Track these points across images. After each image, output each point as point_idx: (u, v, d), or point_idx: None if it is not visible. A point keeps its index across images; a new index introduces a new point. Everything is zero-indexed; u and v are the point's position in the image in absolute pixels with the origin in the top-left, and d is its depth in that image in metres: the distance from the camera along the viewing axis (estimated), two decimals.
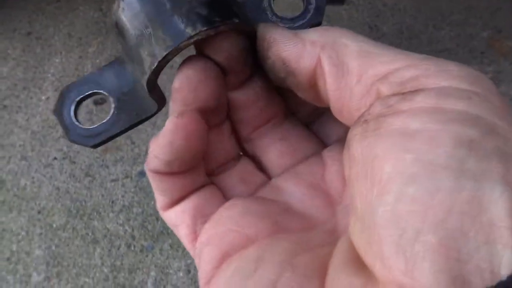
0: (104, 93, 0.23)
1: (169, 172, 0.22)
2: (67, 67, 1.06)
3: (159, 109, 0.24)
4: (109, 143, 0.89)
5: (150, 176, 0.23)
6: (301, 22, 0.24)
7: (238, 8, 0.22)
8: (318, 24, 0.24)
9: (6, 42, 1.12)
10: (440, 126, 0.14)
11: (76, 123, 0.23)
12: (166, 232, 0.78)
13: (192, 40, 0.20)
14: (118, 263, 0.76)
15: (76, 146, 0.92)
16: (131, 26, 0.21)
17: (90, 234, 0.79)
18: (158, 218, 0.80)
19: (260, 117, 0.25)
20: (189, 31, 0.20)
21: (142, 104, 0.23)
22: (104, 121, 0.23)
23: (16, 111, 0.99)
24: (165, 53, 0.20)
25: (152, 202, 0.82)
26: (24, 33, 1.14)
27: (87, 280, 0.74)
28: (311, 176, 0.23)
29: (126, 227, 0.79)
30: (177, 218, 0.23)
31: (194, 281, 0.73)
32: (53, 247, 0.78)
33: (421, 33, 0.94)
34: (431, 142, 0.14)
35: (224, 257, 0.21)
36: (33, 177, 0.87)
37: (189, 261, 0.75)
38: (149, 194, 0.83)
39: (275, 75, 0.22)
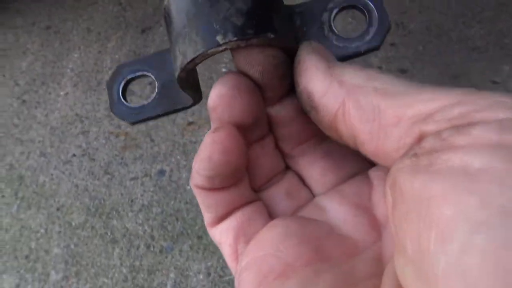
0: (152, 76, 0.24)
1: (212, 188, 0.22)
2: (86, 62, 1.05)
3: (193, 103, 0.24)
4: (128, 141, 0.88)
5: (196, 193, 0.22)
6: (357, 44, 0.22)
7: (287, 20, 0.21)
8: (376, 48, 0.22)
9: (25, 36, 1.11)
10: (509, 165, 0.13)
11: (122, 99, 0.24)
12: (186, 232, 0.77)
13: (220, 49, 0.20)
14: (137, 263, 0.74)
15: (94, 142, 0.91)
16: (174, 21, 0.21)
17: (109, 233, 0.78)
18: (177, 218, 0.79)
19: (301, 133, 0.24)
20: (219, 39, 0.19)
21: (181, 95, 0.24)
22: (146, 102, 0.24)
23: (35, 107, 0.99)
24: (193, 56, 0.20)
25: (172, 202, 0.81)
26: (43, 27, 1.13)
27: (106, 280, 0.73)
28: (357, 196, 0.23)
29: (146, 227, 0.78)
30: (221, 236, 0.23)
31: (215, 284, 0.71)
32: (72, 246, 0.77)
33: (450, 31, 0.91)
34: (500, 183, 0.12)
35: (262, 284, 0.20)
36: (52, 174, 0.86)
37: (209, 263, 0.73)
38: (169, 194, 0.82)
39: (301, 104, 0.21)
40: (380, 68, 0.89)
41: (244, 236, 0.22)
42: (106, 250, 0.76)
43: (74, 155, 0.89)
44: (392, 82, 0.18)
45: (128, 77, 0.24)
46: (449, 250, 0.12)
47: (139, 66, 0.25)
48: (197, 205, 0.80)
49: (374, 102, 0.18)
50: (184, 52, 0.20)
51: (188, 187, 0.82)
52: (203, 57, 0.20)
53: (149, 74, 0.24)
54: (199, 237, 0.76)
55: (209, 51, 0.20)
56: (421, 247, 0.13)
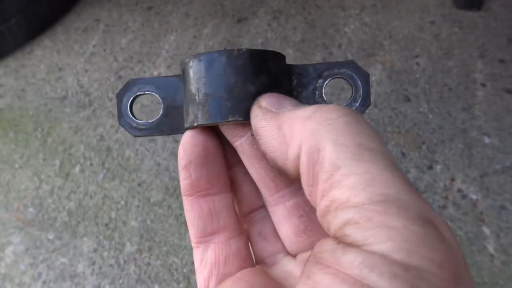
0: (160, 98, 0.26)
1: (196, 191, 0.24)
2: (181, 45, 1.08)
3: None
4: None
5: (184, 205, 0.25)
6: None
7: (289, 83, 0.25)
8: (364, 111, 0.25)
9: (127, 15, 1.16)
10: None
11: (129, 113, 0.27)
12: None
13: (228, 122, 0.24)
14: None
15: None
16: (190, 82, 0.24)
17: (183, 215, 0.80)
18: None
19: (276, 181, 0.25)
20: (230, 117, 0.23)
21: (181, 121, 0.26)
22: (150, 120, 0.26)
23: None
24: (204, 123, 0.24)
25: None
26: (145, 7, 1.18)
27: (175, 260, 0.75)
28: None
29: None
30: (199, 264, 0.24)
31: None
32: (148, 222, 0.80)
33: None
34: None
35: None
36: (137, 150, 0.90)
37: None
38: None
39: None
40: (483, 85, 0.83)
41: (217, 275, 0.24)
42: (179, 231, 0.78)
43: None
44: (341, 142, 0.18)
45: (137, 93, 0.27)
46: None
47: (149, 85, 0.27)
48: None
49: (316, 167, 0.19)
50: (195, 114, 0.24)
51: None
52: (212, 124, 0.24)
53: (157, 95, 0.26)
54: None
55: (218, 122, 0.23)
56: None
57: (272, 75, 0.24)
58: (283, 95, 0.23)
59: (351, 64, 0.25)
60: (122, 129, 0.94)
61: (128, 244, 0.78)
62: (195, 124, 0.24)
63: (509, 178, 0.74)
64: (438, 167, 0.77)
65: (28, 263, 0.78)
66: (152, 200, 0.82)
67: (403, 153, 0.80)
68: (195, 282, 0.74)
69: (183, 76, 0.25)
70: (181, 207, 0.81)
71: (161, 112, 0.26)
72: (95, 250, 0.78)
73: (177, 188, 0.83)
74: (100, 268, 0.76)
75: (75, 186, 0.86)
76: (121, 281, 0.74)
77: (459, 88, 0.85)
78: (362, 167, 0.17)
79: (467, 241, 0.70)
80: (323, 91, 0.25)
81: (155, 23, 1.14)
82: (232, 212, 0.25)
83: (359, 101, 0.25)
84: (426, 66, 0.88)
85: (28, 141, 0.94)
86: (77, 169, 0.89)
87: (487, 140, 0.79)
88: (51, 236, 0.81)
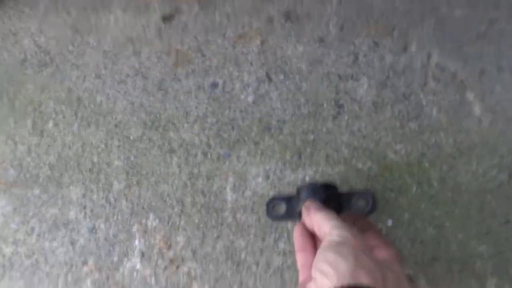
0: (284, 205, 0.59)
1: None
2: None
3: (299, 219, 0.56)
4: (179, 58, 0.86)
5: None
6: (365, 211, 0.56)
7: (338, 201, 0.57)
8: (372, 212, 0.55)
9: None
10: None
11: (272, 211, 0.59)
12: (242, 139, 0.75)
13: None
14: (195, 170, 0.74)
15: (147, 62, 0.91)
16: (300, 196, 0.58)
17: (166, 144, 0.78)
18: (233, 126, 0.77)
19: None
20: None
21: (294, 212, 0.58)
22: (280, 214, 0.59)
23: (87, 33, 0.99)
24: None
25: (227, 112, 0.79)
26: None
27: (166, 186, 0.74)
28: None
29: (202, 136, 0.77)
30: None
31: (274, 186, 0.70)
32: (132, 158, 0.78)
33: None
34: None
35: None
36: (108, 94, 0.87)
37: (267, 167, 0.71)
38: (223, 104, 0.80)
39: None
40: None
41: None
42: (164, 159, 0.76)
43: (127, 75, 0.89)
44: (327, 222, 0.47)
45: (275, 203, 0.59)
46: None
47: (280, 199, 0.59)
48: (252, 113, 0.78)
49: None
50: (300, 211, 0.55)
51: (242, 97, 0.80)
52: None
53: (283, 203, 0.58)
54: (256, 143, 0.74)
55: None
56: None
57: (330, 194, 0.55)
58: (316, 203, 0.52)
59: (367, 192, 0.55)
60: (89, 78, 0.91)
61: (115, 182, 0.76)
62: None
63: (486, 43, 0.73)
64: (413, 47, 0.76)
65: (18, 221, 0.76)
66: (132, 137, 0.80)
67: (375, 43, 0.78)
68: (189, 203, 0.73)
69: (297, 193, 0.57)
70: (162, 137, 0.79)
71: (284, 210, 0.57)
72: (83, 195, 0.76)
73: (155, 121, 0.81)
74: (91, 210, 0.74)
75: (51, 141, 0.84)
76: (115, 217, 0.73)
77: None
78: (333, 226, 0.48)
79: (452, 110, 0.69)
80: (355, 207, 0.55)
81: None
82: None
83: (370, 206, 0.54)
84: None
85: None
86: (50, 124, 0.86)
87: (458, 12, 0.77)
88: (36, 192, 0.78)
